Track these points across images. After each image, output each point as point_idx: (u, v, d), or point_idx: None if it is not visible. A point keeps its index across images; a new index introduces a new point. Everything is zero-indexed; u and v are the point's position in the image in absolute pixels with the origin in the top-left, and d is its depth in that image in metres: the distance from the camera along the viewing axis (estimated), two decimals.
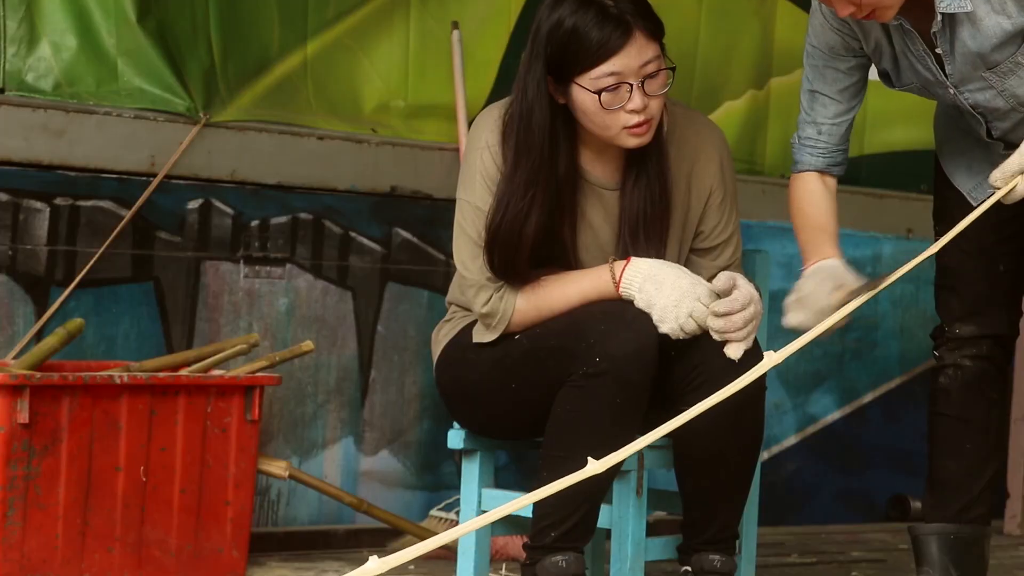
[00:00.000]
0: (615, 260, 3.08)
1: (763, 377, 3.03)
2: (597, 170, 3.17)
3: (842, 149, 3.20)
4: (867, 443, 5.32)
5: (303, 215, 4.29)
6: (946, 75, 2.99)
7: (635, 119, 3.02)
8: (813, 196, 3.21)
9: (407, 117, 4.46)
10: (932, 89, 3.07)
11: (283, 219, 4.26)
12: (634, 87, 2.99)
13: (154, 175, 4.06)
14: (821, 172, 3.21)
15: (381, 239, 4.39)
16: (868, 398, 5.33)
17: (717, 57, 5.04)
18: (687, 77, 4.94)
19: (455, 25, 4.41)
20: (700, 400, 2.98)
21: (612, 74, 2.98)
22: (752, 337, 2.99)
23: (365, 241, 4.38)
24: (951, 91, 3.02)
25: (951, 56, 2.96)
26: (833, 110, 3.18)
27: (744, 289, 2.98)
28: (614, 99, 3.00)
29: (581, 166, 3.15)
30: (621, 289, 3.04)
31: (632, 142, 3.05)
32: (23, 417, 3.41)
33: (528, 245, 3.08)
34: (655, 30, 3.02)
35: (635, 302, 3.02)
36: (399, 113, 4.45)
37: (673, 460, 3.19)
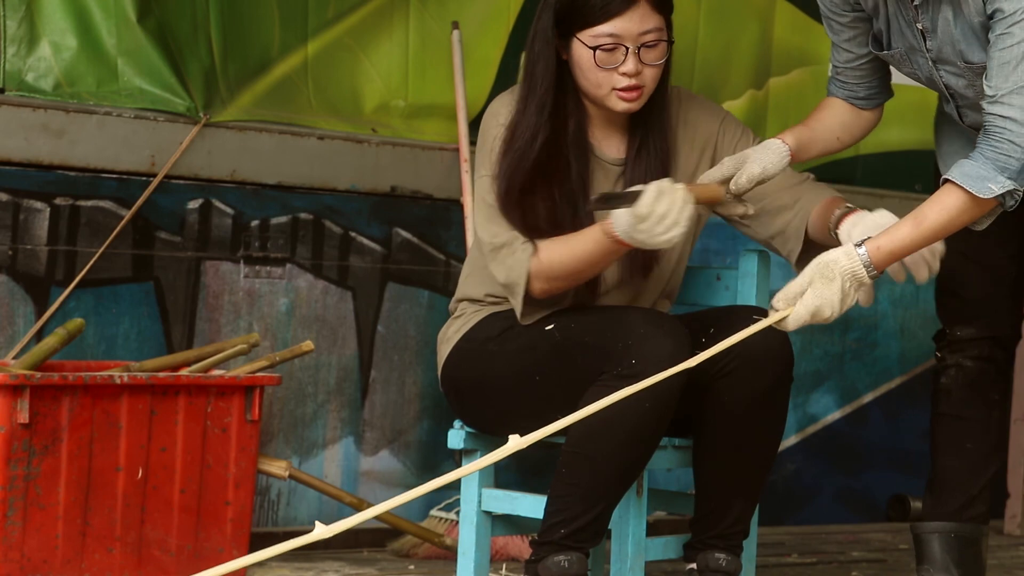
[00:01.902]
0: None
1: (790, 368, 3.08)
2: (604, 145, 3.25)
3: (863, 87, 3.29)
4: (867, 443, 5.32)
5: (303, 215, 4.29)
6: (927, 48, 3.03)
7: (626, 82, 3.12)
8: (820, 107, 3.30)
9: (407, 117, 4.46)
10: (914, 58, 3.12)
11: (283, 219, 4.26)
12: (629, 51, 3.10)
13: (154, 175, 4.06)
14: (844, 100, 3.30)
15: (381, 239, 4.39)
16: (868, 398, 5.33)
17: (716, 57, 5.04)
18: (686, 77, 4.95)
19: (455, 25, 4.41)
20: (729, 387, 3.05)
21: (611, 35, 3.10)
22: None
23: (365, 241, 4.38)
24: (930, 63, 3.06)
25: (933, 34, 3.01)
26: (844, 56, 3.27)
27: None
28: (609, 59, 3.11)
29: (589, 140, 3.23)
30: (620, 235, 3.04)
31: (621, 105, 3.15)
32: (23, 417, 3.41)
33: (534, 163, 3.13)
34: (662, 4, 3.13)
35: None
36: (399, 113, 4.46)
37: (693, 450, 3.20)
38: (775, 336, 3.09)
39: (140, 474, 3.58)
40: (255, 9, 4.25)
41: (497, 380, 3.18)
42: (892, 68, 3.29)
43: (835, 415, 5.26)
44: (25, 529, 3.45)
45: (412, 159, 4.40)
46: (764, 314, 3.14)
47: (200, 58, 4.14)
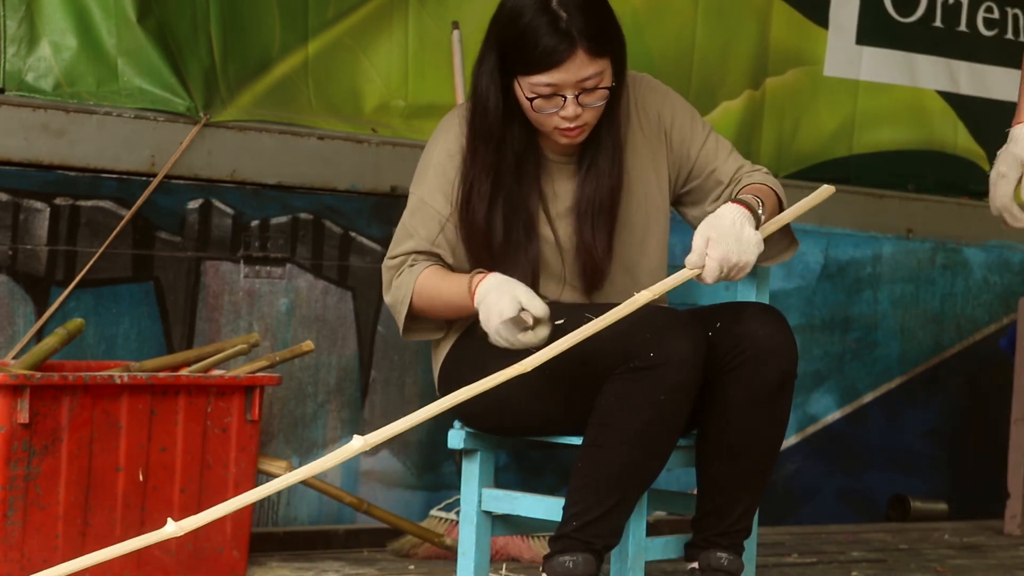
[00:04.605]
0: (476, 273, 3.16)
1: (795, 363, 3.11)
2: (557, 149, 3.28)
3: None
4: (867, 443, 5.32)
5: (303, 215, 4.29)
6: None
7: (566, 124, 3.14)
8: None
9: (407, 117, 4.46)
10: None
11: (283, 219, 4.26)
12: (568, 98, 3.11)
13: (154, 175, 4.06)
14: None
15: (381, 239, 4.39)
16: (868, 398, 5.33)
17: (713, 57, 5.04)
18: (684, 77, 4.95)
19: (455, 25, 4.41)
20: (735, 382, 3.05)
21: (548, 84, 3.11)
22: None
23: (365, 241, 4.38)
24: None
25: None
26: None
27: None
28: (547, 104, 3.13)
29: (541, 146, 3.27)
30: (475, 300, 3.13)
31: (563, 141, 3.20)
32: (23, 417, 3.41)
33: (498, 224, 3.20)
34: (600, 50, 3.11)
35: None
36: (399, 113, 4.46)
37: (696, 447, 3.20)
38: (780, 332, 3.10)
39: (141, 476, 3.58)
40: (255, 9, 4.25)
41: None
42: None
43: (835, 415, 5.27)
44: (25, 529, 3.44)
45: (412, 159, 4.36)
46: (770, 311, 3.15)
47: (200, 58, 4.14)
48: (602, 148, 3.25)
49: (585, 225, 3.25)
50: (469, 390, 2.82)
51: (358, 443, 2.58)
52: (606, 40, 3.12)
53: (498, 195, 3.21)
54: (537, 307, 3.02)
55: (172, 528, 2.28)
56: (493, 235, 3.20)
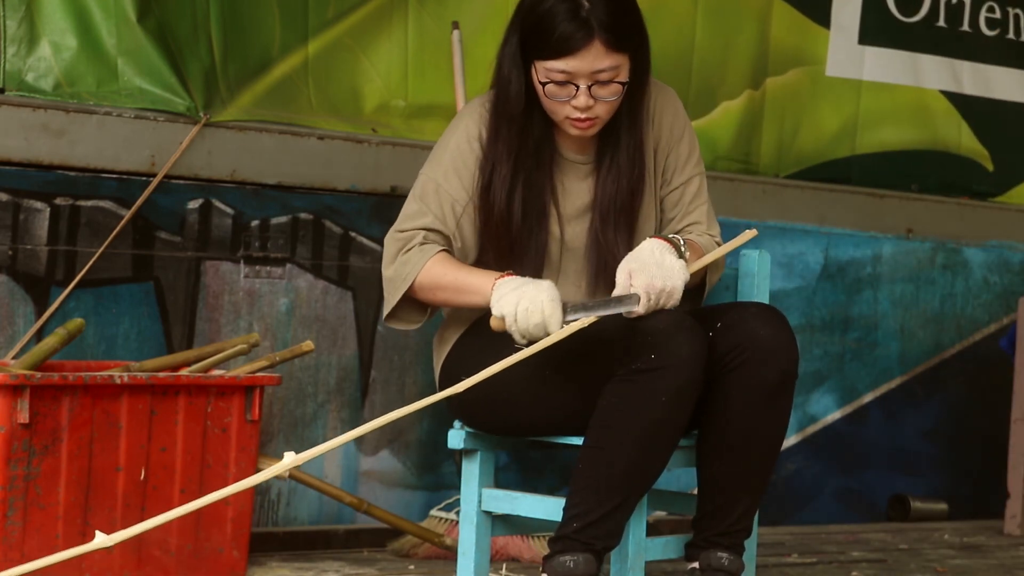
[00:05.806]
0: (501, 276, 3.14)
1: (795, 363, 3.10)
2: (572, 147, 3.28)
3: None
4: (867, 443, 5.32)
5: (303, 215, 4.29)
6: None
7: (577, 114, 3.14)
8: None
9: (407, 117, 4.46)
10: None
11: (283, 219, 4.26)
12: (581, 88, 3.11)
13: (154, 175, 4.06)
14: None
15: (381, 239, 4.35)
16: (868, 398, 5.33)
17: (714, 57, 5.04)
18: (684, 77, 4.95)
19: (455, 25, 4.40)
20: (736, 382, 3.06)
21: (563, 71, 3.11)
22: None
23: (365, 241, 4.38)
24: None
25: None
26: None
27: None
28: (560, 92, 3.14)
29: (556, 141, 3.27)
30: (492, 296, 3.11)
31: (574, 132, 3.20)
32: (23, 417, 3.41)
33: (517, 207, 3.20)
34: (618, 44, 3.11)
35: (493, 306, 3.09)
36: (399, 113, 4.46)
37: (696, 447, 3.20)
38: (781, 332, 3.10)
39: (142, 476, 3.58)
40: (255, 9, 4.25)
41: (505, 374, 3.15)
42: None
43: (835, 415, 5.26)
44: (25, 529, 3.44)
45: (412, 159, 4.40)
46: (771, 311, 3.15)
47: (200, 58, 4.14)
48: (622, 148, 3.25)
49: (607, 225, 3.24)
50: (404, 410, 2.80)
51: (288, 459, 2.58)
52: (626, 36, 3.12)
53: (518, 178, 3.21)
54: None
55: (100, 539, 2.28)
56: (513, 218, 3.20)
